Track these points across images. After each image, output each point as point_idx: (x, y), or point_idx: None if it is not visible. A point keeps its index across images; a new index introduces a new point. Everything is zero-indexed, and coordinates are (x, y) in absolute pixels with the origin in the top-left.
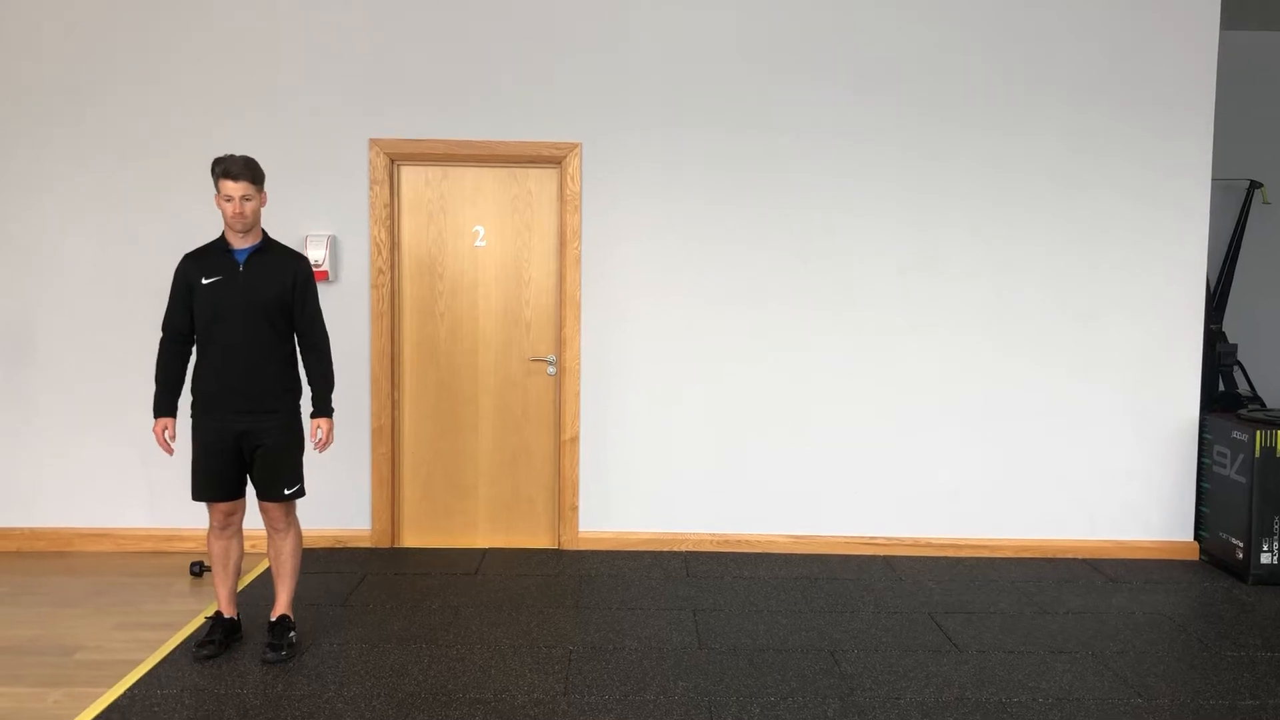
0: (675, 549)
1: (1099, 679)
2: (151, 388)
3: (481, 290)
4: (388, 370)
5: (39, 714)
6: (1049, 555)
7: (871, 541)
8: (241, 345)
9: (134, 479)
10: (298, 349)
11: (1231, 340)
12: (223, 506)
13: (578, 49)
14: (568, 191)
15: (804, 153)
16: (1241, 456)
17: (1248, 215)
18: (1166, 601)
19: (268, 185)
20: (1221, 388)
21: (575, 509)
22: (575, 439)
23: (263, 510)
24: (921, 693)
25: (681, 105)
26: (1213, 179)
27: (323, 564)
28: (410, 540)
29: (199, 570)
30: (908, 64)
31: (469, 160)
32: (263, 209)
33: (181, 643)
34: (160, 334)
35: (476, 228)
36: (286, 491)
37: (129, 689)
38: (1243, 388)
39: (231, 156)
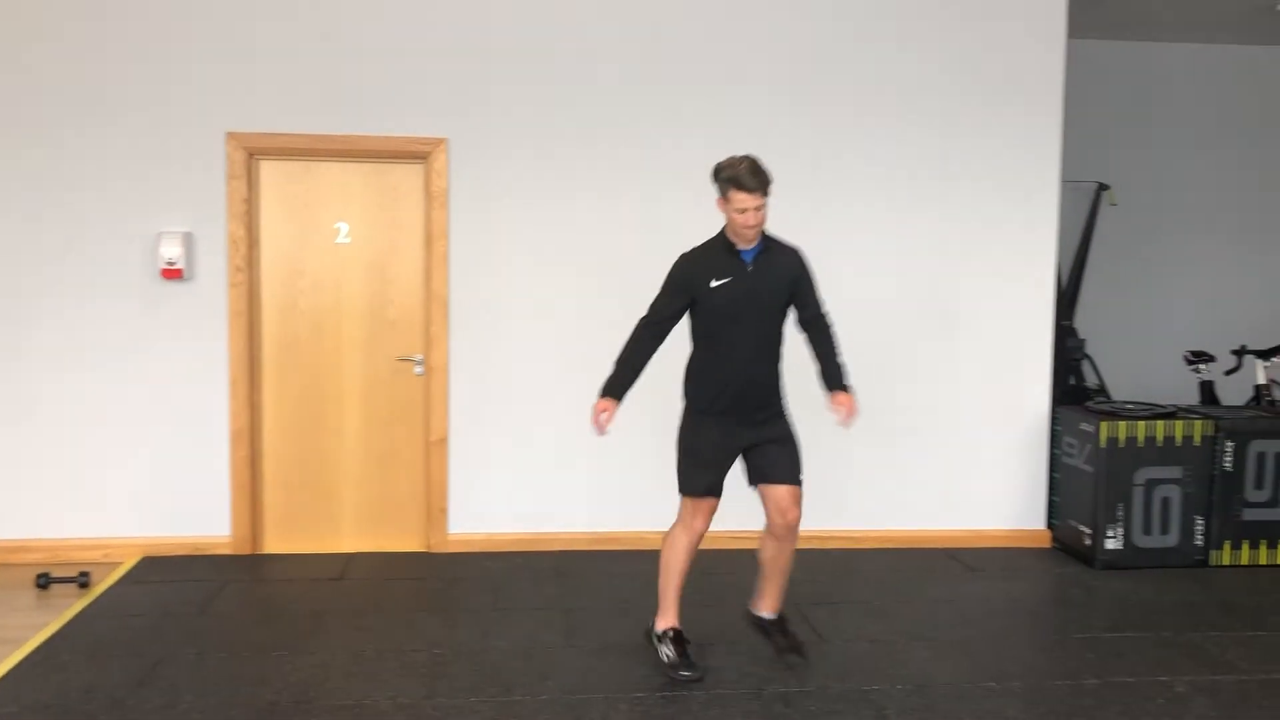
0: (547, 549)
1: (956, 664)
2: None
3: (345, 288)
4: (246, 371)
5: None
6: (911, 545)
7: (742, 535)
8: (750, 345)
9: None
10: (806, 334)
11: (1081, 335)
12: (715, 503)
13: (444, 43)
14: (434, 187)
15: (675, 147)
16: (1089, 447)
17: (1096, 216)
18: (1020, 587)
19: (118, 179)
20: (1071, 381)
21: (444, 511)
22: (444, 440)
23: (776, 501)
24: (786, 683)
25: (549, 100)
26: (1062, 181)
27: (180, 572)
28: (272, 546)
29: (45, 582)
30: (777, 65)
31: (332, 155)
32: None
33: (25, 658)
34: (647, 325)
35: (339, 224)
36: (802, 477)
37: None
38: (1091, 381)
39: (741, 164)
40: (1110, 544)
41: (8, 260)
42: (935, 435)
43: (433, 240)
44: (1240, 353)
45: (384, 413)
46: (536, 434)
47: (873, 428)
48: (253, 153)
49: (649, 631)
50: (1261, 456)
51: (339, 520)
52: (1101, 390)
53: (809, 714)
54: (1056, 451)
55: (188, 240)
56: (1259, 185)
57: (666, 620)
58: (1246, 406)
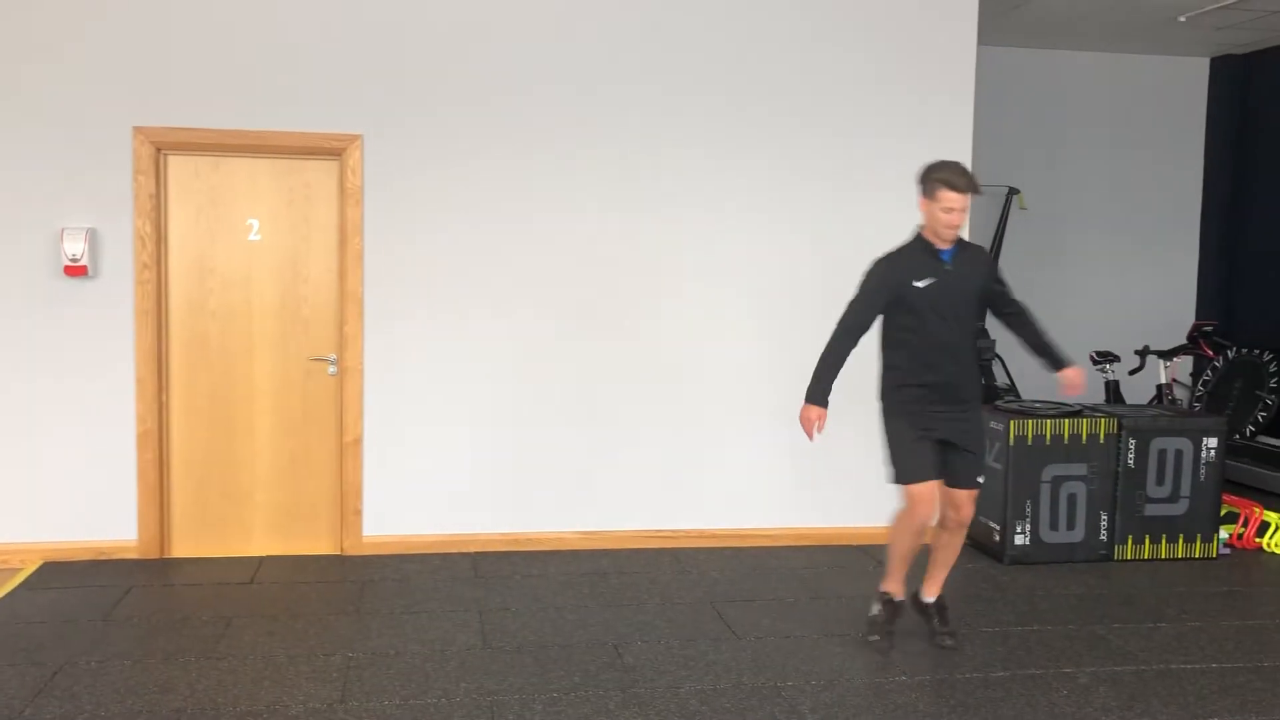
0: (464, 550)
1: (868, 659)
2: None
3: (257, 287)
4: (154, 371)
5: None
6: (826, 543)
7: (658, 535)
8: (950, 341)
9: None
10: (1009, 324)
11: (992, 336)
12: (933, 487)
13: (359, 38)
14: (349, 184)
15: (589, 146)
16: (998, 445)
17: (1007, 219)
18: None
19: (20, 173)
20: (982, 381)
21: (359, 513)
22: (358, 440)
23: (953, 499)
24: (701, 680)
25: (467, 97)
26: None
27: (82, 578)
28: (181, 550)
29: None
30: (699, 69)
31: (243, 151)
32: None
33: None
34: (848, 331)
35: (251, 221)
36: (980, 480)
37: None
38: (1001, 381)
39: (952, 166)
40: (1018, 540)
41: None
42: (850, 433)
43: (347, 238)
44: (1143, 353)
45: (297, 413)
46: (452, 435)
47: (787, 426)
48: (161, 147)
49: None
50: (1162, 454)
51: (250, 523)
52: (1011, 390)
53: (723, 711)
54: None
55: (92, 236)
56: (1162, 190)
57: (889, 584)
58: (1149, 405)
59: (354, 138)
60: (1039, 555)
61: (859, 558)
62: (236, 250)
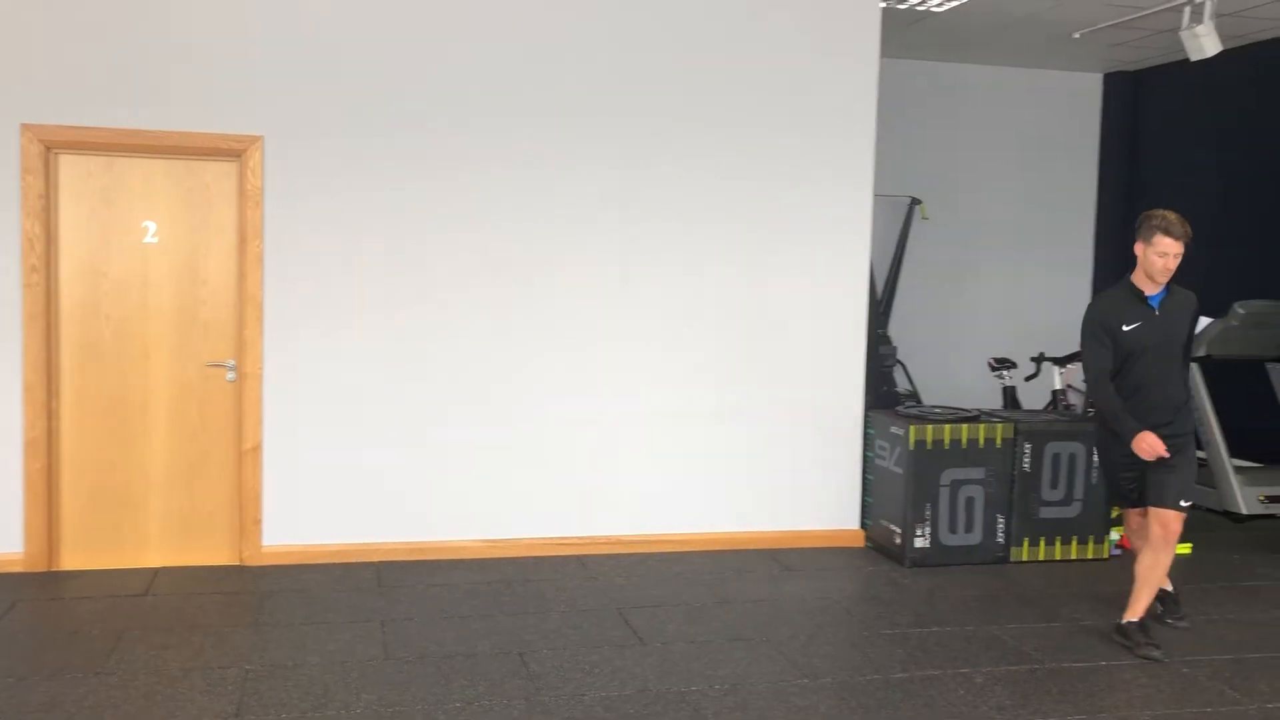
0: (367, 560)
1: (771, 663)
2: None
3: (153, 290)
4: (43, 377)
5: None
6: (733, 547)
7: (564, 542)
8: (1155, 377)
9: None
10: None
11: (894, 343)
12: (1142, 511)
13: (260, 37)
14: (249, 186)
15: (498, 147)
16: (899, 449)
17: (909, 229)
18: (834, 586)
19: None
20: (884, 387)
21: (258, 522)
22: (258, 447)
23: (1158, 517)
24: (606, 687)
25: (369, 98)
26: (877, 195)
27: None
28: (71, 562)
29: None
30: (588, 87)
31: (138, 151)
32: None
33: None
34: (1101, 377)
35: (147, 223)
36: (1184, 503)
37: None
38: (903, 387)
39: (1172, 215)
40: (919, 542)
41: None
42: (754, 439)
43: (246, 241)
44: (1039, 360)
45: (193, 420)
46: (355, 441)
47: (696, 432)
48: (50, 146)
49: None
50: (1057, 458)
51: (144, 533)
52: (913, 395)
53: (629, 717)
54: (869, 454)
55: None
56: (1059, 202)
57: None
58: (1044, 410)
59: (255, 139)
60: (939, 557)
61: (765, 562)
62: (132, 252)
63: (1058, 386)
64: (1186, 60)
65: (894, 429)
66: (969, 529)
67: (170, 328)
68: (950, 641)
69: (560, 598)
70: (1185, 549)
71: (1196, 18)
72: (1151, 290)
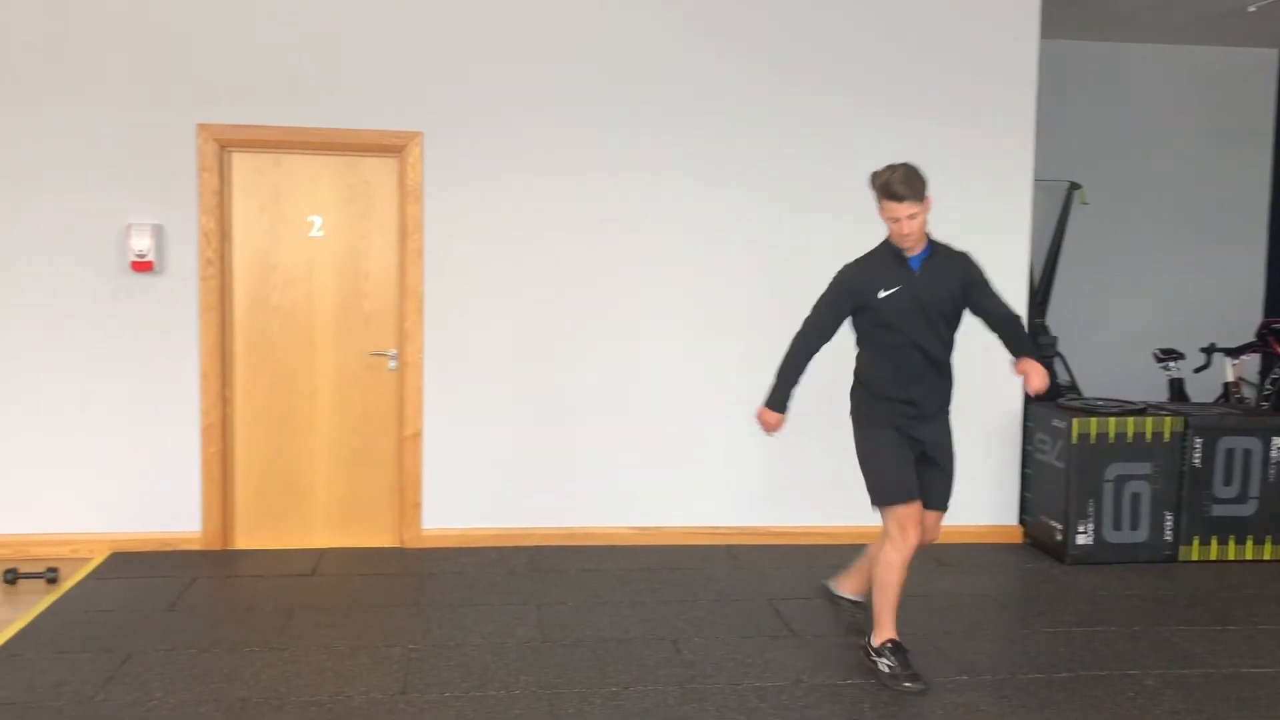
0: (521, 544)
1: (927, 658)
2: None
3: (318, 282)
4: (218, 366)
5: None
6: None
7: (715, 531)
8: (919, 351)
9: None
10: (999, 333)
11: (1053, 333)
12: (918, 508)
13: (420, 36)
14: (408, 181)
15: (652, 145)
16: (1060, 443)
17: (1068, 215)
18: (992, 582)
19: (93, 173)
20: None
21: (417, 506)
22: (417, 434)
23: (923, 520)
24: (760, 677)
25: (526, 93)
26: (1035, 180)
27: (148, 568)
28: (243, 542)
29: (13, 578)
30: (736, 72)
31: (304, 148)
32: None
33: None
34: (807, 335)
35: (312, 217)
36: (949, 503)
37: None
38: (1063, 378)
39: (893, 172)
40: (1081, 539)
41: None
42: None
43: (407, 235)
44: (1209, 350)
45: (357, 408)
46: (510, 429)
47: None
48: (224, 145)
49: (864, 646)
50: (1230, 453)
51: (311, 516)
52: (1073, 387)
53: (783, 708)
54: (1029, 448)
55: (158, 233)
56: (1229, 185)
57: (884, 633)
58: (1215, 403)
59: (414, 135)
60: (1102, 555)
61: (918, 556)
62: (299, 246)
63: (1230, 379)
64: None
65: (1055, 422)
66: (1134, 526)
67: (335, 319)
68: (1116, 642)
69: (710, 587)
70: None
71: None
72: (909, 252)
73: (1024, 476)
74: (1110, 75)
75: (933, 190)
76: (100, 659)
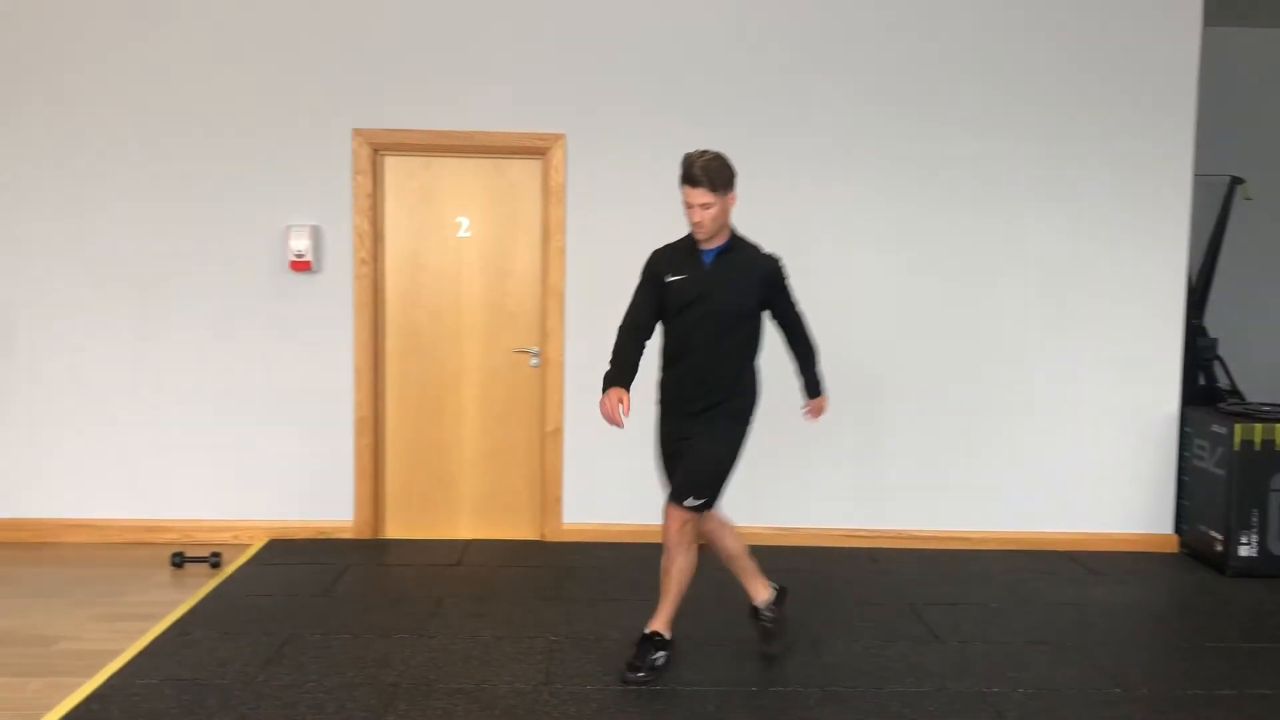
0: (656, 540)
1: (1078, 669)
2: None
3: (465, 281)
4: (370, 361)
5: (18, 704)
6: (1030, 548)
7: (854, 534)
8: (703, 345)
9: (114, 470)
10: (792, 351)
11: (1212, 335)
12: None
13: (563, 39)
14: (552, 183)
15: (794, 152)
16: (1220, 450)
17: (1229, 211)
18: (1145, 593)
19: (254, 175)
20: (1201, 381)
21: (558, 500)
22: (558, 430)
23: (665, 514)
24: (903, 682)
25: (668, 97)
26: (1194, 175)
27: (304, 554)
28: (392, 531)
29: (180, 561)
30: (894, 66)
31: (452, 151)
32: (727, 212)
33: (162, 633)
34: (625, 327)
35: (460, 218)
36: (690, 501)
37: (108, 679)
38: (1223, 382)
39: (700, 156)
40: (1243, 551)
41: (144, 253)
42: (1058, 436)
43: (549, 235)
44: None
45: (501, 403)
46: (649, 427)
47: (995, 427)
48: (377, 148)
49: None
50: None
51: (457, 507)
52: (1234, 391)
53: (927, 714)
54: (1186, 454)
55: (315, 233)
56: None
57: (656, 624)
58: None
59: (557, 137)
60: (1267, 568)
61: (1065, 563)
62: (447, 247)
63: None
64: None
65: (1215, 427)
66: None
67: (480, 317)
68: None
69: (850, 590)
70: None
71: None
72: (703, 244)
73: (1180, 484)
74: (1275, 63)
75: (1089, 186)
76: (260, 641)
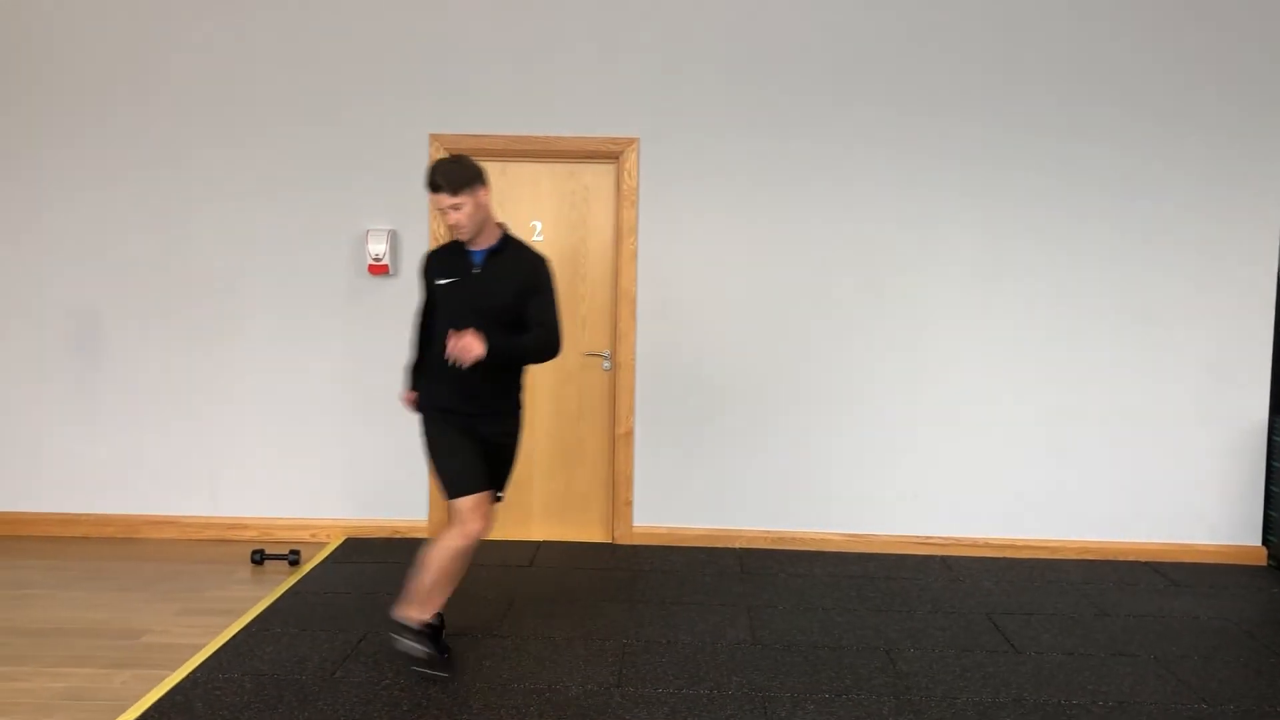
0: (729, 545)
1: (1161, 683)
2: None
3: None
4: None
5: (107, 694)
6: (1110, 557)
7: (928, 541)
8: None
9: (197, 469)
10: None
11: None
12: (488, 497)
13: (637, 44)
14: (624, 187)
15: (867, 160)
16: None
17: None
18: (1232, 607)
19: (333, 180)
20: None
21: (629, 503)
22: (629, 434)
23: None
24: (979, 693)
25: (742, 103)
26: None
27: (380, 553)
28: None
29: (260, 559)
30: (971, 73)
31: (526, 156)
32: (483, 209)
33: (243, 628)
34: (417, 328)
35: (534, 222)
36: (500, 494)
37: (192, 672)
38: None
39: (440, 163)
40: None
41: (226, 255)
42: (1140, 443)
43: (622, 238)
44: None
45: (573, 406)
46: (719, 431)
47: (1071, 433)
48: (453, 154)
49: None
50: None
51: (529, 509)
52: None
53: None
54: (1275, 464)
55: (393, 237)
56: None
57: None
58: None
59: (631, 141)
60: None
61: (1147, 574)
62: None
63: None
64: None
65: None
66: None
67: None
68: None
69: (925, 597)
70: None
71: None
72: (471, 245)
73: (1268, 494)
74: None
75: (1172, 190)
76: (337, 638)
